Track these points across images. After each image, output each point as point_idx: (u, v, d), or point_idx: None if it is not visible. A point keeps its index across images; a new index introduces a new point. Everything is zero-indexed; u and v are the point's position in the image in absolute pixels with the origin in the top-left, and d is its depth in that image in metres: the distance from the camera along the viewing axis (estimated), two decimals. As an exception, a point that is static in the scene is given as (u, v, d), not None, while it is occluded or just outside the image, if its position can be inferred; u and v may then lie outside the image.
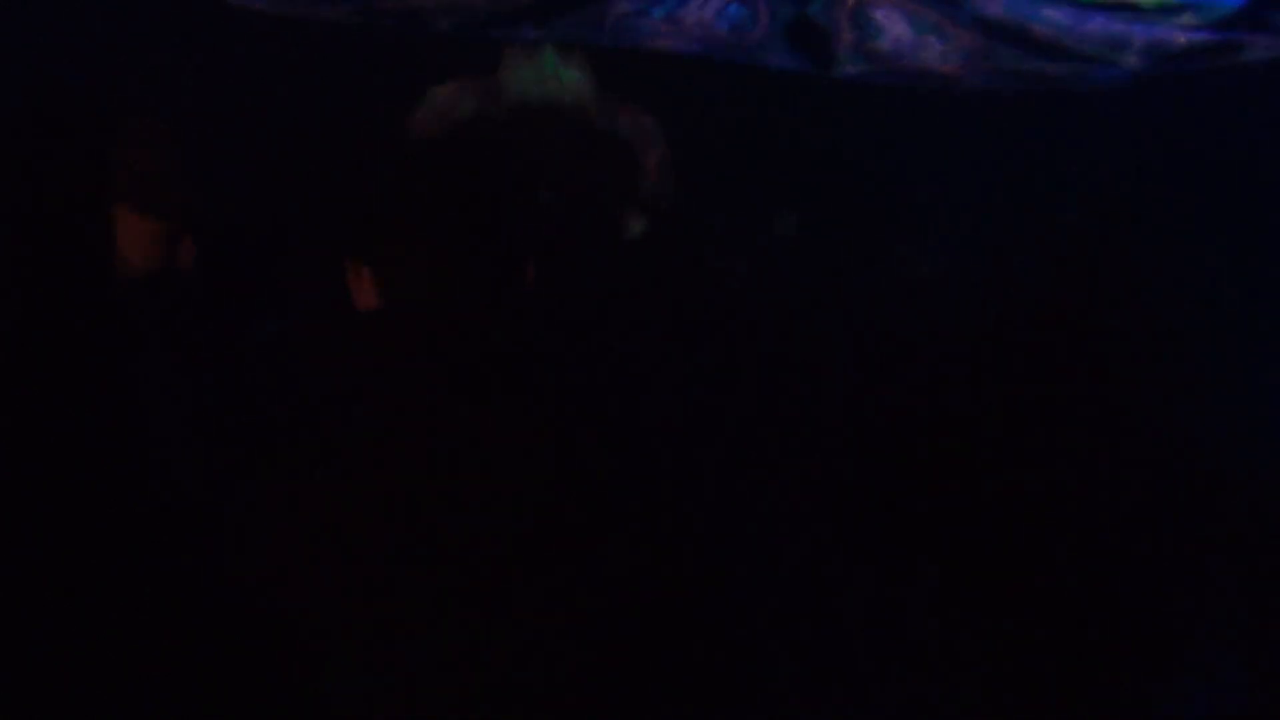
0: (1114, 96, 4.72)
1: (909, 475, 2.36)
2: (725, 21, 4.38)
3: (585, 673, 1.19)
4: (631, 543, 1.21)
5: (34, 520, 1.45)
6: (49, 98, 1.79)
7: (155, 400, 1.73)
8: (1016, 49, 4.63)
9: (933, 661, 2.30)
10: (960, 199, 3.88)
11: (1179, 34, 4.61)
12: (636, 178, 4.51)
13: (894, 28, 4.51)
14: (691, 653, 1.25)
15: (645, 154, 4.72)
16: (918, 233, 3.43)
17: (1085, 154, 4.41)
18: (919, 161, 4.28)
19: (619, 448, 1.28)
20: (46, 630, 1.42)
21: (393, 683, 1.14)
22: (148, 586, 1.27)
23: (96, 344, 1.59)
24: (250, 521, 1.18)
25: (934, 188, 4.00)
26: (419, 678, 1.15)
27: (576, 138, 4.63)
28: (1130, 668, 2.11)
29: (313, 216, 3.59)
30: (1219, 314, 2.39)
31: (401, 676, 1.14)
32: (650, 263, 3.65)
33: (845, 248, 3.38)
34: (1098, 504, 2.17)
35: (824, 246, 3.48)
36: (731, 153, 4.42)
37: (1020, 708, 2.12)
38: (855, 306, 2.86)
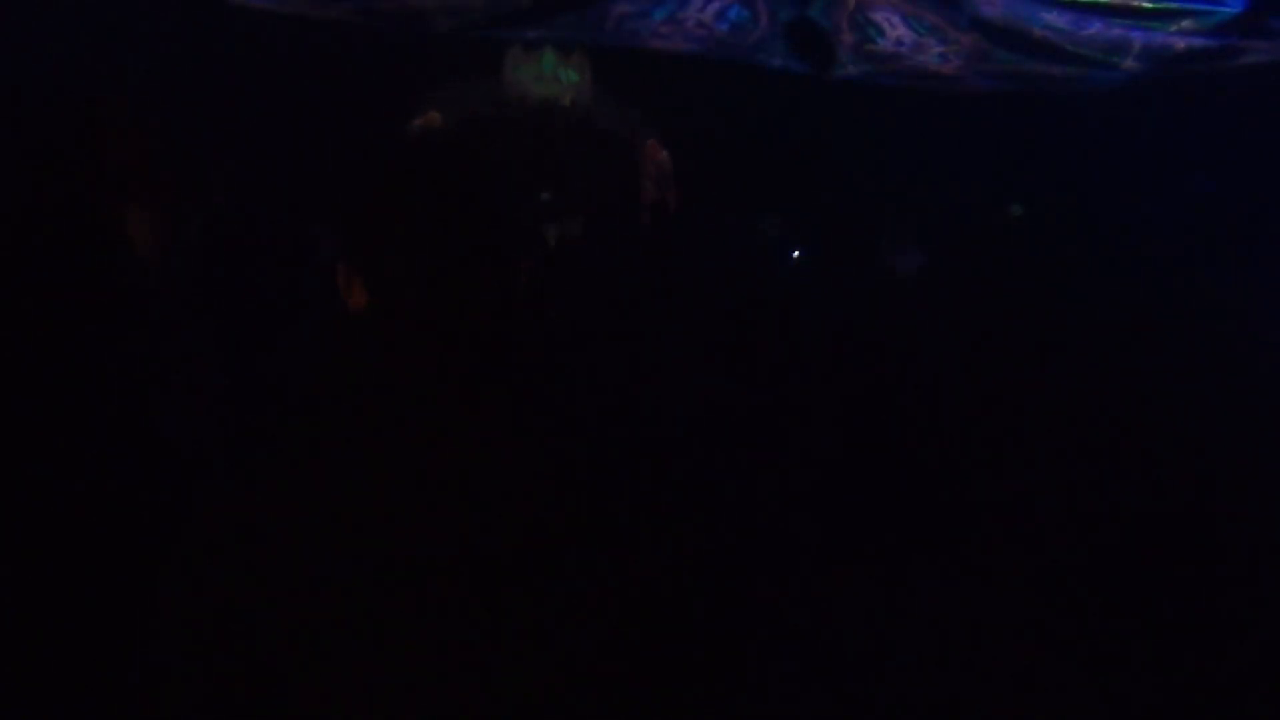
0: (1112, 99, 4.73)
1: (901, 471, 2.35)
2: (725, 22, 4.39)
3: (583, 678, 1.18)
4: (629, 545, 1.20)
5: (41, 506, 1.44)
6: (49, 94, 1.79)
7: (158, 390, 1.73)
8: (1015, 51, 4.64)
9: (934, 662, 2.30)
10: (957, 199, 3.89)
11: (1178, 39, 4.62)
12: (636, 177, 4.51)
13: (894, 29, 4.52)
14: (691, 657, 1.24)
15: (644, 154, 4.73)
16: (913, 232, 3.43)
17: (1084, 155, 4.42)
18: (916, 162, 4.29)
19: (615, 447, 1.27)
20: (45, 620, 1.42)
21: (388, 685, 1.13)
22: (150, 576, 1.25)
23: (102, 330, 1.60)
24: (246, 517, 1.16)
25: (931, 188, 4.01)
26: (415, 681, 1.14)
27: (576, 138, 4.64)
28: (1131, 670, 2.10)
29: (312, 215, 3.60)
30: (1216, 312, 2.39)
31: (396, 680, 1.13)
32: (647, 262, 3.65)
33: (842, 247, 3.38)
34: (1091, 499, 2.17)
35: (821, 246, 3.48)
36: (730, 153, 4.42)
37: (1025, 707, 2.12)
38: (848, 303, 2.86)
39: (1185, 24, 4.62)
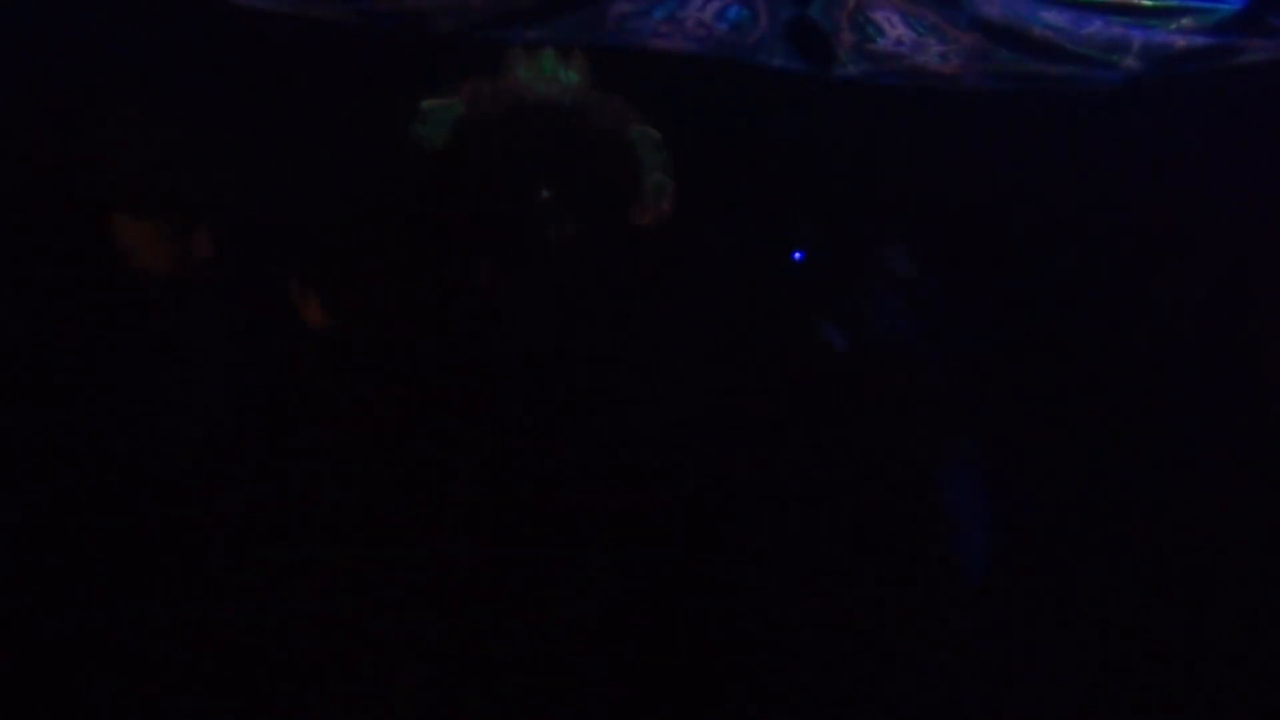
0: (1112, 98, 4.73)
1: (901, 476, 2.35)
2: (725, 22, 4.39)
3: (568, 683, 1.17)
4: (599, 551, 1.19)
5: (41, 522, 1.44)
6: (48, 95, 1.77)
7: (156, 400, 1.72)
8: (1016, 51, 4.64)
9: (928, 663, 2.30)
10: (956, 199, 3.89)
11: (1177, 37, 4.62)
12: (635, 177, 4.52)
13: (894, 29, 4.51)
14: (678, 662, 1.23)
15: (644, 154, 4.73)
16: (915, 233, 3.44)
17: (1083, 155, 4.42)
18: (916, 161, 4.29)
19: (591, 455, 1.25)
20: (48, 626, 1.41)
21: (377, 690, 1.13)
22: (145, 587, 1.25)
23: (100, 342, 1.58)
24: (235, 528, 1.15)
25: (930, 187, 4.01)
26: (401, 689, 1.13)
27: (576, 138, 4.64)
28: (1125, 672, 2.10)
29: (311, 217, 3.57)
30: (1214, 312, 2.40)
31: (383, 687, 1.13)
32: (645, 262, 3.65)
33: (840, 248, 3.38)
34: (1089, 505, 2.17)
35: (823, 248, 3.48)
36: (729, 153, 4.42)
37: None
38: (843, 304, 2.85)
39: (1185, 22, 4.62)
